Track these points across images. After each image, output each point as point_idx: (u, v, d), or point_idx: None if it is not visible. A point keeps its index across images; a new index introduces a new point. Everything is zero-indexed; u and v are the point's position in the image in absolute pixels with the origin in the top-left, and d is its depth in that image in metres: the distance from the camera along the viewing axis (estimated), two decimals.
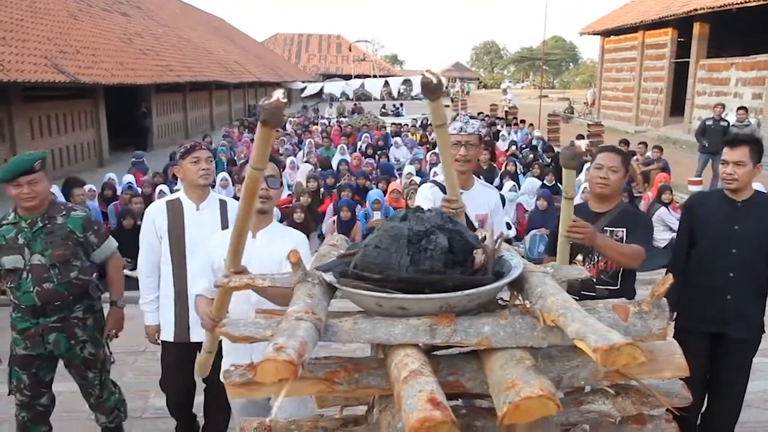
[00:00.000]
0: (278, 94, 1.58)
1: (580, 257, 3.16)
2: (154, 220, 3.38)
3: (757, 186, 4.18)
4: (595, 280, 3.12)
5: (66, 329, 3.34)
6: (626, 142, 13.43)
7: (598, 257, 3.14)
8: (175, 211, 3.38)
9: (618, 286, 3.14)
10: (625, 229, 3.15)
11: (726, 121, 12.63)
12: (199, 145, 3.44)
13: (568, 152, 2.06)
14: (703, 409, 3.63)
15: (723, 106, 13.17)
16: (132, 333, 4.13)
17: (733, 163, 3.26)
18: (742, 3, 16.88)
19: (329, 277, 1.68)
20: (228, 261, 2.06)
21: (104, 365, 3.54)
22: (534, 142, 15.80)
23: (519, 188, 9.91)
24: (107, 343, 3.56)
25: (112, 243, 3.54)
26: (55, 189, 9.16)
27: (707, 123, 12.72)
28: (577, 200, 7.93)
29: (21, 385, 3.37)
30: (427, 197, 3.17)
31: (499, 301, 1.79)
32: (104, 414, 3.61)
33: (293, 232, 2.82)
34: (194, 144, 3.45)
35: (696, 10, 19.23)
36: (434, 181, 3.35)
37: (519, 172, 11.51)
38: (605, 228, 3.13)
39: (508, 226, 8.33)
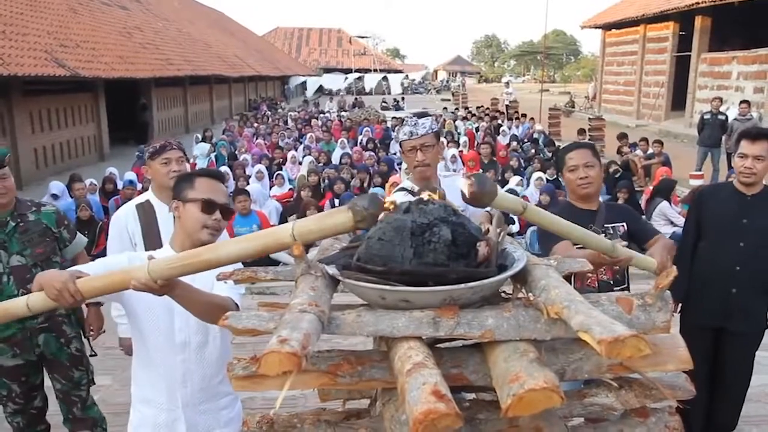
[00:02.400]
0: (389, 205, 1.56)
1: None
2: (127, 226, 3.14)
3: None
4: (612, 281, 3.01)
5: (54, 328, 3.20)
6: (625, 136, 13.44)
7: None
8: (147, 215, 3.16)
9: (626, 284, 3.11)
10: (625, 224, 3.05)
11: (724, 114, 12.67)
12: (170, 145, 3.24)
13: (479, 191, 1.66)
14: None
15: (720, 100, 13.24)
16: None
17: (753, 157, 3.23)
18: None
19: (332, 269, 1.67)
20: (160, 268, 1.81)
21: (89, 364, 3.41)
22: (535, 136, 15.80)
23: (526, 183, 9.88)
24: (89, 341, 3.44)
25: (82, 239, 3.40)
26: (57, 190, 9.12)
27: (705, 117, 12.76)
28: None
29: (12, 394, 3.22)
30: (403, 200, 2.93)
31: (503, 294, 1.78)
32: (86, 430, 3.39)
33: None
34: (164, 144, 3.26)
35: (698, 3, 19.19)
36: (405, 188, 3.04)
37: (521, 167, 11.51)
38: (606, 225, 3.01)
39: (511, 221, 8.34)
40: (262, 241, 1.64)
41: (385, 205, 1.55)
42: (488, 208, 2.41)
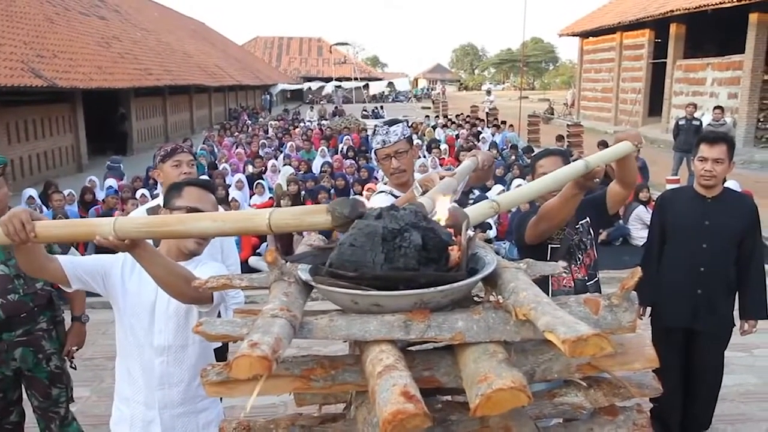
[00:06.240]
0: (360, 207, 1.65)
1: (564, 263, 3.04)
2: None
3: (729, 183, 4.24)
4: (586, 278, 3.06)
5: (32, 342, 3.16)
6: (605, 144, 13.59)
7: (582, 255, 3.06)
8: None
9: (596, 277, 3.17)
10: (587, 217, 3.10)
11: (698, 120, 12.91)
12: (181, 148, 3.31)
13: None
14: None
15: (695, 106, 13.50)
16: (111, 337, 4.12)
17: (713, 160, 3.32)
18: (717, 4, 17.15)
19: (305, 275, 1.69)
20: (126, 228, 1.82)
21: (69, 381, 3.38)
22: (513, 142, 15.90)
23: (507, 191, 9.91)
24: (71, 360, 3.42)
25: (74, 252, 3.38)
26: (34, 192, 9.12)
27: (680, 122, 13.00)
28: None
29: None
30: (383, 203, 2.81)
31: (475, 298, 1.81)
32: None
33: (212, 265, 2.39)
34: (175, 147, 3.33)
35: (672, 11, 19.52)
36: (384, 191, 3.01)
37: (503, 174, 11.55)
38: (576, 226, 3.06)
39: (489, 226, 8.40)
40: (239, 224, 1.68)
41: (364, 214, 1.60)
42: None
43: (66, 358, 3.38)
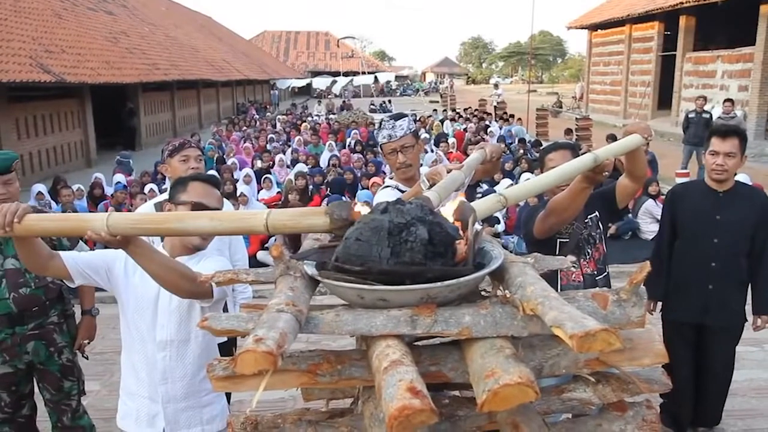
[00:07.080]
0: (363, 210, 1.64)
1: (573, 258, 3.04)
2: None
3: (740, 176, 4.20)
4: (595, 272, 3.06)
5: (44, 336, 3.19)
6: (614, 137, 13.52)
7: (591, 249, 3.06)
8: None
9: (606, 271, 3.15)
10: (597, 213, 3.09)
11: (708, 113, 12.81)
12: (189, 143, 3.32)
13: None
14: None
15: (705, 99, 13.39)
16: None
17: (724, 154, 3.28)
18: None
19: (311, 269, 1.68)
20: (120, 225, 1.83)
21: (80, 374, 3.41)
22: (521, 136, 15.82)
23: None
24: (83, 352, 3.45)
25: (83, 247, 3.39)
26: (43, 188, 9.16)
27: (690, 116, 12.91)
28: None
29: (1, 403, 3.20)
30: (390, 197, 2.89)
31: (482, 293, 1.80)
32: None
33: (216, 259, 2.38)
34: (183, 141, 3.34)
35: (682, 3, 19.33)
36: (390, 186, 3.01)
37: (511, 168, 11.49)
38: (585, 220, 3.05)
39: (497, 221, 8.38)
40: (235, 224, 1.67)
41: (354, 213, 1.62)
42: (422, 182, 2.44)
43: (77, 351, 3.41)
